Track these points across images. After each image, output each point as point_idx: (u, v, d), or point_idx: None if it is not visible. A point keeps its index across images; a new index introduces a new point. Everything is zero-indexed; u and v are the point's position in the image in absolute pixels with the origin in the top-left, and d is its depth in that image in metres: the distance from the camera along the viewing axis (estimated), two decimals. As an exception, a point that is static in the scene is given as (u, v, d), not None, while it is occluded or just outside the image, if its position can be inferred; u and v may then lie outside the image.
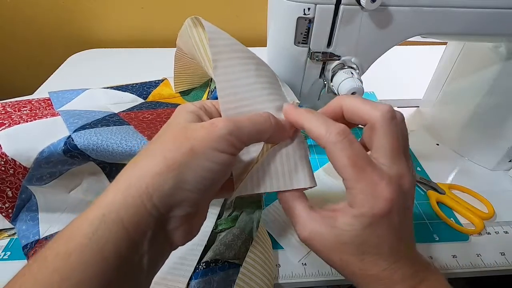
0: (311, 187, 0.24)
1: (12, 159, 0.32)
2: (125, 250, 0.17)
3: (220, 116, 0.23)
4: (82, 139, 0.33)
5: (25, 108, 0.38)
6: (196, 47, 0.31)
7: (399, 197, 0.20)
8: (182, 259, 0.33)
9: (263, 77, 0.26)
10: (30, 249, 0.34)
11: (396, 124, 0.21)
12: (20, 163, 0.33)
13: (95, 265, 0.16)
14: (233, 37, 0.26)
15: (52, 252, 0.17)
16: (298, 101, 0.27)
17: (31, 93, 0.61)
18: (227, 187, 0.24)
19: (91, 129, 0.34)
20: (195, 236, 0.23)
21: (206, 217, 0.24)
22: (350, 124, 0.24)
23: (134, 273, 0.18)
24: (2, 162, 0.32)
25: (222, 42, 0.25)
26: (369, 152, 0.22)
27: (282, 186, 0.23)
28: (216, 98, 0.24)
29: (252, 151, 0.25)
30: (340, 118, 0.24)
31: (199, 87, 0.51)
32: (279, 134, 0.23)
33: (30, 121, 0.35)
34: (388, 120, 0.21)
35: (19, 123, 0.34)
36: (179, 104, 0.49)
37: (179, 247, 0.22)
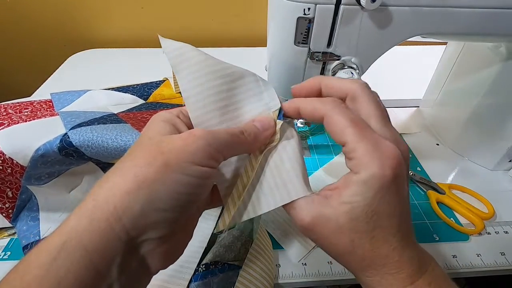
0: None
1: (9, 157, 0.32)
2: (89, 280, 0.15)
3: None
4: (78, 136, 0.33)
5: (26, 110, 0.38)
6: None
7: (402, 159, 0.19)
8: (182, 261, 0.33)
9: (240, 94, 0.24)
10: (30, 249, 0.34)
11: (375, 93, 0.22)
12: (17, 162, 0.33)
13: None
14: (201, 53, 0.23)
15: (7, 284, 0.15)
16: (276, 109, 0.25)
17: (31, 93, 0.61)
18: (217, 199, 0.23)
19: (87, 127, 0.34)
20: (178, 258, 0.21)
21: (191, 236, 0.22)
22: None
23: None
24: (0, 161, 0.32)
25: (187, 69, 0.23)
26: None
27: (278, 201, 0.22)
28: None
29: (237, 166, 0.23)
30: (318, 95, 0.23)
31: None
32: (253, 146, 0.22)
33: (29, 121, 0.35)
34: (367, 89, 0.22)
35: (18, 123, 0.34)
36: (179, 105, 0.49)
37: None
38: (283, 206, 0.21)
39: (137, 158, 0.18)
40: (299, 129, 0.52)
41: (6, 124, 0.34)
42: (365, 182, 0.18)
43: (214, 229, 0.36)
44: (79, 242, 0.16)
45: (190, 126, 0.22)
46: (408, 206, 0.20)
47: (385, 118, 0.21)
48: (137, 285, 0.19)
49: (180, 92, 0.51)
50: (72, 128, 0.34)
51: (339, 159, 0.47)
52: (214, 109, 0.23)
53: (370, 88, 0.22)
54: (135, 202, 0.17)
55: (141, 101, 0.48)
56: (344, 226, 0.19)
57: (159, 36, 0.23)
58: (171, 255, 0.20)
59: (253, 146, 0.22)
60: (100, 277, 0.16)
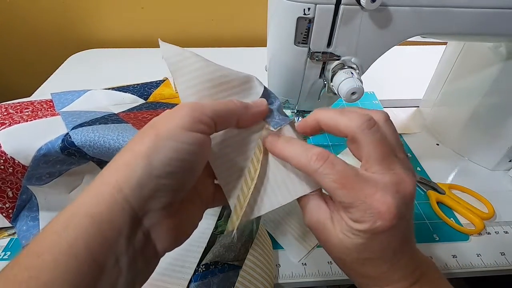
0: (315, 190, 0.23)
1: (11, 157, 0.32)
2: (98, 247, 0.16)
3: None
4: (80, 136, 0.33)
5: (27, 109, 0.38)
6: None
7: (398, 205, 0.19)
8: (182, 262, 0.33)
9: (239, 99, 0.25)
10: (30, 249, 0.34)
11: (377, 130, 0.20)
12: (18, 162, 0.33)
13: (65, 263, 0.16)
14: (201, 59, 0.23)
15: (26, 252, 0.16)
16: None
17: (31, 93, 0.61)
18: (221, 197, 0.24)
19: (89, 127, 0.34)
20: (183, 240, 0.22)
21: (197, 223, 0.23)
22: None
23: (110, 275, 0.17)
24: (1, 161, 0.32)
25: (186, 76, 0.23)
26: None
27: (281, 201, 0.23)
28: None
29: (238, 163, 0.24)
30: (319, 130, 0.24)
31: None
32: (248, 116, 0.23)
33: (30, 120, 0.35)
34: (366, 130, 0.20)
35: (19, 123, 0.34)
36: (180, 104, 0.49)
37: (178, 249, 0.21)
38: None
39: (134, 138, 0.20)
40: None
41: (8, 124, 0.34)
42: (359, 232, 0.20)
43: (215, 230, 0.36)
44: (87, 212, 0.17)
45: None
46: (411, 230, 0.22)
47: (386, 156, 0.20)
48: (145, 263, 0.19)
49: None
50: (74, 128, 0.34)
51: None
52: None
53: (371, 124, 0.20)
54: (133, 172, 0.18)
55: (141, 101, 0.48)
56: (336, 246, 0.21)
57: (159, 40, 0.23)
58: (175, 234, 0.21)
59: (244, 114, 0.22)
60: (109, 247, 0.17)
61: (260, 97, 0.25)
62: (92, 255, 0.16)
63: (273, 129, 0.24)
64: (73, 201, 0.18)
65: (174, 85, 0.51)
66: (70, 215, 0.17)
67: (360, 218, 0.19)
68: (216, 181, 0.25)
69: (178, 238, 0.21)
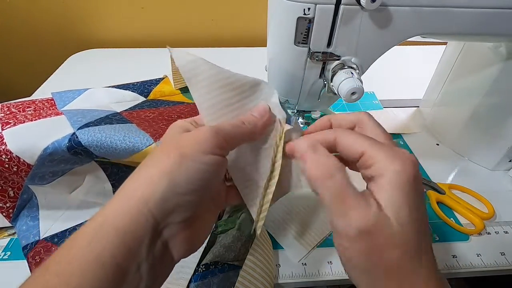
0: None
1: (16, 156, 0.32)
2: (121, 257, 0.18)
3: None
4: (86, 136, 0.33)
5: (29, 108, 0.38)
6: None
7: (417, 162, 0.21)
8: (182, 261, 0.33)
9: (248, 103, 0.26)
10: (30, 249, 0.34)
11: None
12: (24, 160, 0.33)
13: (93, 271, 0.17)
14: (212, 66, 0.24)
15: (55, 259, 0.18)
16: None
17: (31, 93, 0.61)
18: (232, 196, 0.26)
19: (95, 127, 0.35)
20: (198, 247, 0.24)
21: (210, 230, 0.25)
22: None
23: (132, 281, 0.19)
24: (7, 160, 0.32)
25: (200, 83, 0.24)
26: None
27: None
28: None
29: (250, 166, 0.26)
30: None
31: None
32: (258, 131, 0.25)
33: (35, 120, 0.35)
34: (372, 117, 0.24)
35: (24, 122, 0.35)
36: (180, 102, 0.49)
37: None
38: (328, 202, 0.20)
39: (158, 154, 0.21)
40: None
41: (12, 124, 0.34)
42: (394, 182, 0.19)
43: (215, 229, 0.36)
44: (113, 224, 0.19)
45: None
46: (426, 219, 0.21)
47: (390, 137, 0.23)
48: (162, 269, 0.21)
49: (180, 89, 0.52)
50: (80, 128, 0.34)
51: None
52: (226, 120, 0.25)
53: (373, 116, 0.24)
54: (158, 188, 0.19)
55: (142, 98, 0.49)
56: (394, 235, 0.19)
57: (169, 48, 0.24)
58: (191, 243, 0.23)
59: (254, 133, 0.25)
60: (132, 255, 0.19)
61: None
62: (117, 264, 0.18)
63: (290, 126, 0.26)
64: (100, 210, 0.20)
65: (174, 82, 0.52)
66: (98, 225, 0.19)
67: (387, 164, 0.20)
68: (227, 183, 0.27)
69: (193, 246, 0.23)
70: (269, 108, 0.26)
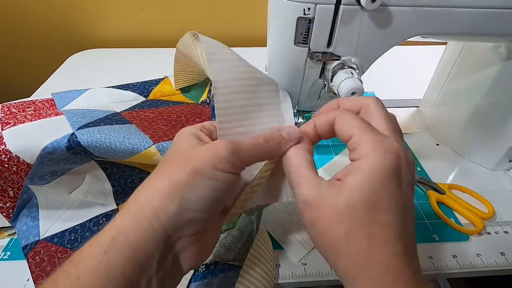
0: None
1: (16, 155, 0.32)
2: (132, 272, 0.18)
3: None
4: (86, 136, 0.33)
5: (29, 109, 0.38)
6: (196, 57, 0.32)
7: (403, 157, 0.19)
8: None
9: (261, 98, 0.27)
10: (30, 250, 0.34)
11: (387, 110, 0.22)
12: (23, 160, 0.33)
13: (103, 286, 0.17)
14: (234, 52, 0.26)
15: (64, 274, 0.18)
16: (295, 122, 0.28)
17: (31, 93, 0.61)
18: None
19: (94, 127, 0.34)
20: (207, 258, 0.24)
21: (217, 240, 0.25)
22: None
23: None
24: (6, 159, 0.32)
25: (220, 62, 0.25)
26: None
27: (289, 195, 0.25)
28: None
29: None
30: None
31: (198, 85, 0.51)
32: (277, 154, 0.23)
33: (35, 120, 0.35)
34: (380, 104, 0.22)
35: (24, 122, 0.35)
36: (180, 102, 0.49)
37: None
38: (289, 176, 0.22)
39: (171, 167, 0.21)
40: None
41: (12, 124, 0.34)
42: (364, 170, 0.19)
43: None
44: (125, 238, 0.18)
45: (211, 137, 0.25)
46: (412, 214, 0.20)
47: (395, 129, 0.21)
48: (172, 283, 0.22)
49: (179, 89, 0.52)
50: (79, 128, 0.34)
51: (339, 159, 0.48)
52: (238, 105, 0.25)
53: (383, 104, 0.23)
54: (171, 203, 0.19)
55: (142, 98, 0.49)
56: (341, 213, 0.19)
57: (196, 33, 0.26)
58: (200, 255, 0.23)
59: (276, 153, 0.23)
60: (142, 270, 0.19)
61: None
62: (128, 279, 0.18)
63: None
64: (111, 222, 0.20)
65: (174, 83, 0.52)
66: (109, 239, 0.19)
67: (367, 152, 0.19)
68: None
69: (203, 257, 0.23)
70: (299, 133, 0.24)
